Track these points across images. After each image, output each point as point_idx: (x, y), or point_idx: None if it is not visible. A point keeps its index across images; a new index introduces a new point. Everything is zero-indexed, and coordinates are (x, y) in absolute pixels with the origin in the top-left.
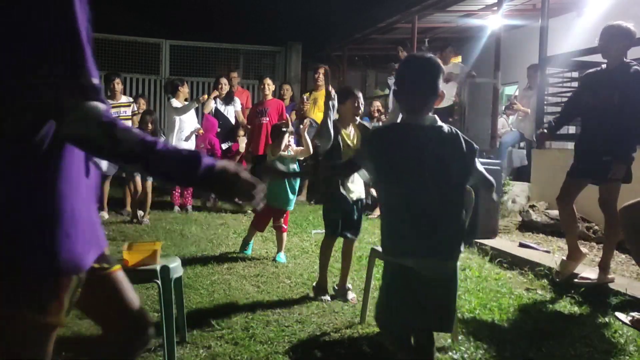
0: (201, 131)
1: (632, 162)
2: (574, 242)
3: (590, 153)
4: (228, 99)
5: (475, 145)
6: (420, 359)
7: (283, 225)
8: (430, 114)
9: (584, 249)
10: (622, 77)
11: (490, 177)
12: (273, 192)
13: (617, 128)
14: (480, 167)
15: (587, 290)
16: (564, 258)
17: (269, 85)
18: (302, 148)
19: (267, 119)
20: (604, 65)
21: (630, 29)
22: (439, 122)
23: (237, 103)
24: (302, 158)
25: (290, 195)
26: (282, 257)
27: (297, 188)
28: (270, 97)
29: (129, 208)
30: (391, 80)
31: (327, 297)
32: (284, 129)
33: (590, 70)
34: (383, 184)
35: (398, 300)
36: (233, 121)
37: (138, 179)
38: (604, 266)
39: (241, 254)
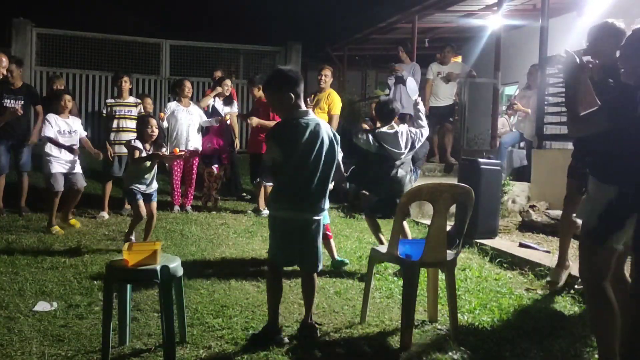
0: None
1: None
2: (566, 247)
3: (579, 153)
4: (228, 101)
5: (337, 136)
6: (305, 292)
7: (327, 232)
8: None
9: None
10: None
11: (342, 169)
12: None
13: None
14: (339, 156)
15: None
16: (554, 267)
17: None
18: None
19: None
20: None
21: (617, 27)
22: (313, 116)
23: (235, 106)
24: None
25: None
26: (341, 258)
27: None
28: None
29: (127, 206)
30: (391, 81)
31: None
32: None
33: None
34: (281, 164)
35: (278, 242)
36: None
37: (141, 202)
38: None
39: (240, 255)
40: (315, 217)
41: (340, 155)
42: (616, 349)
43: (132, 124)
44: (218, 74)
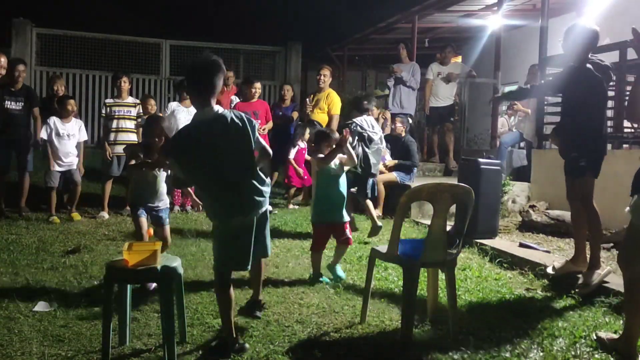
0: None
1: (597, 159)
2: (582, 245)
3: (563, 149)
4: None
5: (254, 121)
6: (254, 276)
7: (349, 236)
8: (214, 107)
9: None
10: (574, 77)
11: (268, 149)
12: (328, 207)
13: (573, 124)
14: (262, 141)
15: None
16: (585, 271)
17: (258, 89)
18: (346, 156)
19: (259, 121)
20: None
21: (587, 29)
22: (221, 110)
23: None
24: (347, 168)
25: (344, 206)
26: (340, 271)
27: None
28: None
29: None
30: (391, 82)
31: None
32: (332, 135)
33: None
34: (190, 172)
35: (225, 249)
36: None
37: (143, 219)
38: (593, 262)
39: None
40: (253, 213)
41: (259, 141)
42: None
43: (131, 124)
44: (230, 74)
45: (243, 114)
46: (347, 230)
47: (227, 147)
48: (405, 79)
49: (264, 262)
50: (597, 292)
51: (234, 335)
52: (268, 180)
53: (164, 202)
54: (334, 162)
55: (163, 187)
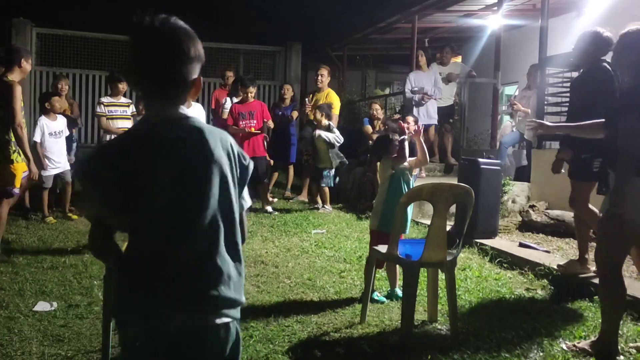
0: None
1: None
2: (586, 246)
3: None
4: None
5: (248, 161)
6: None
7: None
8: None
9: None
10: (587, 81)
11: (245, 222)
12: (392, 215)
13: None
14: (246, 200)
15: (587, 291)
16: (574, 258)
17: (251, 93)
18: (416, 158)
19: (255, 121)
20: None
21: (602, 36)
22: (196, 122)
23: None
24: (417, 170)
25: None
26: (399, 290)
27: None
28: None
29: None
30: (417, 96)
31: None
32: (398, 137)
33: (576, 73)
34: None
35: None
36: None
37: None
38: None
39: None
40: (214, 320)
41: (245, 198)
42: None
43: (127, 124)
44: (230, 74)
45: (232, 142)
46: None
47: (186, 186)
48: (430, 92)
49: None
50: (595, 292)
51: None
52: (243, 271)
53: None
54: (408, 164)
55: None
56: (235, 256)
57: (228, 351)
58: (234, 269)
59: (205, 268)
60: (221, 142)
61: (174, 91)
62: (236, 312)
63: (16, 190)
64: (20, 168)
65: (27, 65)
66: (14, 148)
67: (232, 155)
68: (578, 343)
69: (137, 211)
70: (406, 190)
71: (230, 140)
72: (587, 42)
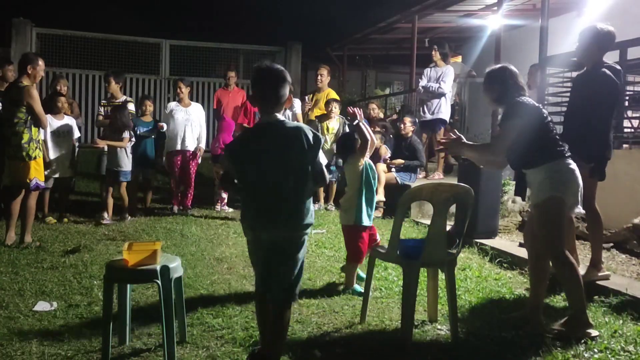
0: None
1: (604, 162)
2: (600, 250)
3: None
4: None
5: (318, 138)
6: (271, 331)
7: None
8: (276, 114)
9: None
10: (591, 80)
11: (326, 175)
12: (368, 208)
13: (584, 128)
14: (320, 163)
15: (587, 291)
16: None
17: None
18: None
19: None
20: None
21: (603, 31)
22: (282, 118)
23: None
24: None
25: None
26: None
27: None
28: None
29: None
30: (422, 82)
31: None
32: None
33: (578, 73)
34: (239, 177)
35: (253, 265)
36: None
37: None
38: (594, 262)
39: (240, 254)
40: (289, 235)
41: (322, 160)
42: None
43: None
44: (232, 74)
45: (309, 129)
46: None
47: (276, 157)
48: (427, 86)
49: (288, 316)
50: (598, 292)
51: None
52: (312, 208)
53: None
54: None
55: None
56: (300, 199)
57: (300, 250)
58: (310, 204)
59: (291, 203)
60: (299, 130)
61: (277, 105)
62: (310, 229)
63: (42, 184)
64: (42, 163)
65: (35, 71)
66: (34, 145)
67: (305, 138)
68: (553, 326)
69: (252, 170)
70: (374, 181)
71: (305, 128)
72: (589, 40)
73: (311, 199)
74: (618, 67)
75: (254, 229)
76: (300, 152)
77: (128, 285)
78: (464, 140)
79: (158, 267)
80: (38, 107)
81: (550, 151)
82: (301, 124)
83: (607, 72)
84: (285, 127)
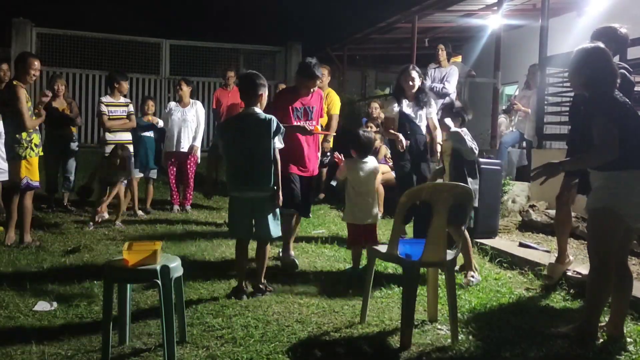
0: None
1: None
2: (565, 244)
3: (572, 152)
4: None
5: (273, 123)
6: (257, 259)
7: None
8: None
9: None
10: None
11: (277, 157)
12: (363, 207)
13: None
14: (276, 146)
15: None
16: (552, 262)
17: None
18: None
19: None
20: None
21: (618, 33)
22: (249, 112)
23: None
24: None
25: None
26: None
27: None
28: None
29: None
30: (427, 83)
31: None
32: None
33: None
34: (225, 152)
35: (234, 218)
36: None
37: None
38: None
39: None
40: (260, 194)
41: (277, 142)
42: None
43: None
44: (231, 74)
45: (275, 120)
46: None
47: (252, 137)
48: (432, 86)
49: (267, 249)
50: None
51: (242, 286)
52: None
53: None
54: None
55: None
56: (272, 167)
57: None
58: (272, 173)
59: (261, 172)
60: (269, 120)
61: (254, 100)
62: (265, 190)
63: (34, 183)
64: (35, 162)
65: (30, 69)
66: (25, 145)
67: (272, 125)
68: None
69: (234, 144)
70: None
71: (273, 119)
72: (606, 39)
73: (273, 168)
74: (627, 66)
75: (240, 191)
76: (266, 134)
77: (128, 285)
78: (553, 162)
79: (158, 267)
80: (21, 106)
81: (622, 159)
82: (271, 115)
83: (624, 72)
84: (259, 116)
